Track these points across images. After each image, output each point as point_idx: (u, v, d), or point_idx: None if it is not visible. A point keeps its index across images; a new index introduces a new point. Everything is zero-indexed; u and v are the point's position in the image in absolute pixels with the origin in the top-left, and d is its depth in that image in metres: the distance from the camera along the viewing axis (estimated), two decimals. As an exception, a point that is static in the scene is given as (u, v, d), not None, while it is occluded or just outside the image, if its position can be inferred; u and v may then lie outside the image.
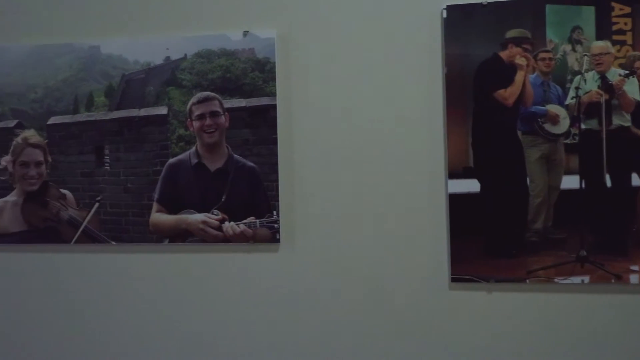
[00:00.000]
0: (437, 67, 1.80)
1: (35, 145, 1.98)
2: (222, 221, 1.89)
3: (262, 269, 1.89)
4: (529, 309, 1.77)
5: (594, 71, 1.74)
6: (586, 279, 1.74)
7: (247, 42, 1.88)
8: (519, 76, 1.77)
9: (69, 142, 1.97)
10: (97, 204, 1.96)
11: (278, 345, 1.89)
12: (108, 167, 1.95)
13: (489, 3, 1.77)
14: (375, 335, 1.84)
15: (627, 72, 1.72)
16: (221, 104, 1.89)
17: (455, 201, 1.79)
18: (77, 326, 1.98)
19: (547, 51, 1.76)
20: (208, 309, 1.92)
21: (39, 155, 1.98)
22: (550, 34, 1.75)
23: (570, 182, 1.75)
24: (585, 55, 1.74)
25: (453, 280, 1.79)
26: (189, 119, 1.90)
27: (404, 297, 1.83)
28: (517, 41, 1.76)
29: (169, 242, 1.92)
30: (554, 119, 1.77)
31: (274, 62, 1.86)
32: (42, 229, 1.98)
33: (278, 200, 1.87)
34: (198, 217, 1.90)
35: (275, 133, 1.86)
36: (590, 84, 1.75)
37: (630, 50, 1.72)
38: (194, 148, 1.91)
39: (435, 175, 1.81)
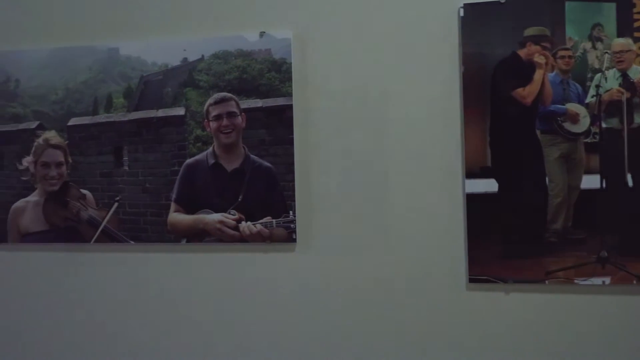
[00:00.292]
0: (455, 66, 1.79)
1: (56, 146, 2.01)
2: (238, 221, 1.89)
3: (278, 269, 1.90)
4: (547, 310, 1.75)
5: (614, 69, 1.71)
6: (607, 280, 1.71)
7: (263, 43, 1.89)
8: (538, 75, 1.74)
9: (88, 143, 2.00)
10: (116, 204, 1.98)
11: (294, 345, 1.89)
12: (127, 168, 1.98)
13: (506, 1, 1.75)
14: (392, 335, 1.83)
15: (649, 69, 1.69)
16: (238, 105, 1.90)
17: (473, 201, 1.77)
18: (96, 324, 2.01)
19: (567, 49, 1.73)
20: (225, 309, 1.93)
21: (59, 156, 2.01)
22: (569, 32, 1.73)
23: (591, 181, 1.72)
24: (606, 52, 1.71)
25: (470, 281, 1.78)
26: (206, 120, 1.92)
27: (421, 298, 1.81)
28: (536, 39, 1.74)
29: (187, 241, 1.94)
30: (574, 118, 1.74)
31: (290, 63, 1.87)
32: (63, 228, 2.01)
33: (294, 200, 1.87)
34: (215, 217, 1.91)
35: (292, 133, 1.87)
36: (611, 82, 1.71)
37: (652, 47, 1.69)
38: (211, 148, 1.92)
39: (452, 175, 1.79)
